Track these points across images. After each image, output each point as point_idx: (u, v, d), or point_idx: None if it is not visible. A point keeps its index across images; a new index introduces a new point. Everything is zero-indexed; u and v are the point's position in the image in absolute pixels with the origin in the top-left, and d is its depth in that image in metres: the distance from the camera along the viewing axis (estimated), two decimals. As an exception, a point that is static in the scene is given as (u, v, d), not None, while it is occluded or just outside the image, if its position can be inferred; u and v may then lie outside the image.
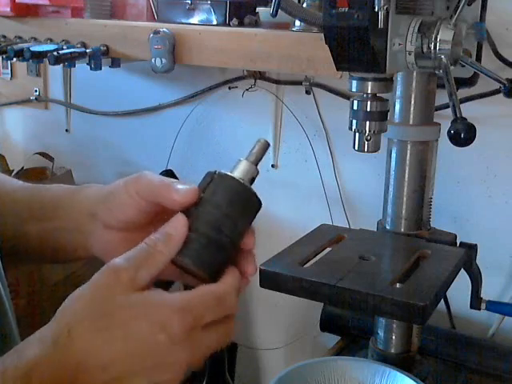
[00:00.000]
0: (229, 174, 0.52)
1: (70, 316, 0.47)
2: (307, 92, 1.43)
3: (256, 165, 0.53)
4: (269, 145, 0.53)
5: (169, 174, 1.39)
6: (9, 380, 0.44)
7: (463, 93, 1.17)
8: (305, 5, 1.17)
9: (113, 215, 0.58)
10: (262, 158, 0.53)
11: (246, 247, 0.53)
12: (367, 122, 0.92)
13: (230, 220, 0.50)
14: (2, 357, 0.46)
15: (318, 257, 0.96)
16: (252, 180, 0.52)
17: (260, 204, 0.52)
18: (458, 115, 0.85)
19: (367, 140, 0.92)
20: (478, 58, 1.09)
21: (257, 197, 0.52)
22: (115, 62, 1.41)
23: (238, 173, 0.52)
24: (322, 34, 0.88)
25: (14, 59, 1.34)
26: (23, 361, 0.45)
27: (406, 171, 1.03)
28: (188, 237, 0.50)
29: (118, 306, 0.46)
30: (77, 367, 0.45)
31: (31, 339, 0.47)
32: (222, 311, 0.49)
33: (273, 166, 1.52)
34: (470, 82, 1.13)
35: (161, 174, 1.38)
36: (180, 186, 0.54)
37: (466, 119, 0.85)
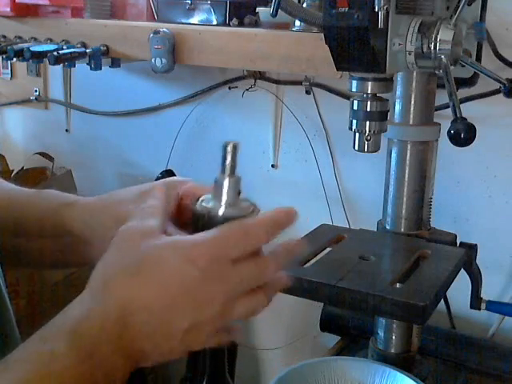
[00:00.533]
0: (219, 213, 0.49)
1: (102, 273, 0.48)
2: (307, 92, 1.43)
3: (234, 173, 0.50)
4: (237, 145, 0.49)
5: (169, 173, 1.39)
6: (54, 339, 0.44)
7: (463, 93, 1.17)
8: (305, 5, 1.17)
9: (98, 236, 0.59)
10: (236, 162, 0.50)
11: None
12: (367, 122, 0.92)
13: None
14: (45, 325, 0.46)
15: (318, 257, 0.96)
16: (239, 192, 0.50)
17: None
18: (458, 115, 0.85)
19: (367, 140, 0.92)
20: (478, 58, 1.09)
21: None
22: (115, 62, 1.41)
23: (225, 200, 0.49)
24: (322, 34, 0.88)
25: (14, 59, 1.34)
26: (67, 322, 0.45)
27: (406, 171, 1.03)
28: None
29: (145, 252, 0.47)
30: (122, 312, 0.45)
31: (70, 305, 0.47)
32: (248, 243, 0.47)
33: (273, 166, 1.52)
34: (470, 82, 1.13)
35: (161, 173, 1.38)
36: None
37: (466, 119, 0.85)
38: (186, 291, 0.46)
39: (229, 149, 0.49)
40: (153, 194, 0.54)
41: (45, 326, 0.46)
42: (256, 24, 1.34)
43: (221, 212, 0.49)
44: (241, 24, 1.32)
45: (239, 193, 0.50)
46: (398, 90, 1.01)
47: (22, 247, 0.64)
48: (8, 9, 1.44)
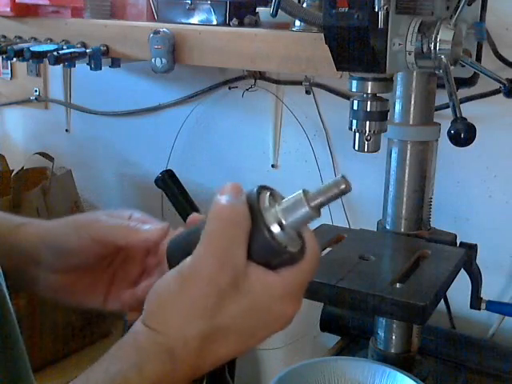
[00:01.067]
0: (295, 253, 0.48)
1: (179, 327, 0.46)
2: (307, 92, 1.43)
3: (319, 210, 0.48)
4: (347, 187, 0.46)
5: (169, 173, 1.38)
6: None
7: (463, 93, 1.17)
8: (305, 5, 1.17)
9: (62, 261, 0.58)
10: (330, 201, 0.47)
11: None
12: (367, 122, 0.92)
13: None
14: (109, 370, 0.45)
15: (318, 257, 0.96)
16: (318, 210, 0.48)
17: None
18: (458, 115, 0.85)
19: (367, 140, 0.92)
20: (478, 58, 1.09)
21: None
22: (115, 62, 1.41)
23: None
24: (322, 34, 0.88)
25: (14, 59, 1.34)
26: (143, 379, 0.45)
27: (406, 171, 1.03)
28: None
29: (229, 317, 0.46)
30: (193, 374, 0.47)
31: (143, 356, 0.46)
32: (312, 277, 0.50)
33: (273, 166, 1.52)
34: (469, 82, 1.13)
35: (161, 173, 1.38)
36: (146, 227, 0.56)
37: (465, 119, 0.85)
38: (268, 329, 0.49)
39: (340, 184, 0.46)
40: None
41: (103, 371, 0.46)
42: (256, 24, 1.34)
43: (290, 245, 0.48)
44: (241, 24, 1.32)
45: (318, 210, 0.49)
46: (398, 90, 1.01)
47: None
48: (8, 9, 1.44)
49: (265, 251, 0.47)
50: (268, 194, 0.49)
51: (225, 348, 0.47)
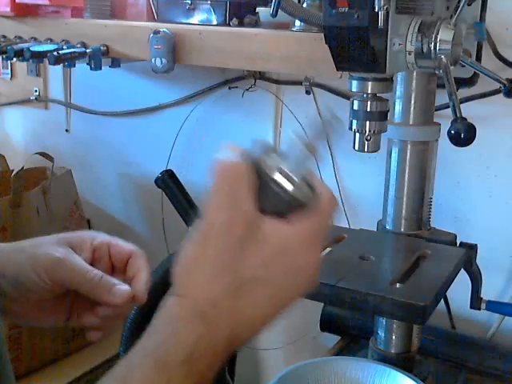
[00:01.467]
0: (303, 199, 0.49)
1: (205, 288, 0.47)
2: (307, 92, 1.43)
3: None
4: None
5: (169, 173, 1.38)
6: (169, 369, 0.44)
7: (463, 93, 1.17)
8: (305, 5, 1.17)
9: (22, 295, 0.59)
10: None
11: None
12: (367, 122, 0.92)
13: None
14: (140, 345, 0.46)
15: (317, 257, 0.96)
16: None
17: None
18: (458, 115, 0.85)
19: (367, 140, 0.92)
20: (478, 58, 1.09)
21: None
22: (115, 62, 1.41)
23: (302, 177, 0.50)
24: (322, 34, 0.88)
25: (14, 59, 1.34)
26: (179, 350, 0.45)
27: (406, 171, 1.03)
28: None
29: (249, 267, 0.47)
30: (231, 334, 0.46)
31: (172, 324, 0.46)
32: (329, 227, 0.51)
33: (273, 165, 1.52)
34: (470, 81, 1.13)
35: (161, 173, 1.38)
36: (114, 289, 0.57)
37: (465, 119, 0.85)
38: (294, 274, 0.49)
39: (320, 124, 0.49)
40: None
41: (142, 349, 0.46)
42: (256, 24, 1.34)
43: (305, 198, 0.49)
44: (241, 24, 1.32)
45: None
46: (398, 90, 1.01)
47: None
48: (8, 9, 1.44)
49: (274, 203, 0.48)
50: (266, 148, 0.50)
51: (256, 304, 0.47)
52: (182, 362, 0.44)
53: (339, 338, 1.28)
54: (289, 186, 0.48)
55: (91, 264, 0.59)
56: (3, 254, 0.60)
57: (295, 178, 0.48)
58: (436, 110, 1.05)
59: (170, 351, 0.45)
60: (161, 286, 0.53)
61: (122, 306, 0.58)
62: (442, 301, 1.23)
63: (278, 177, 0.48)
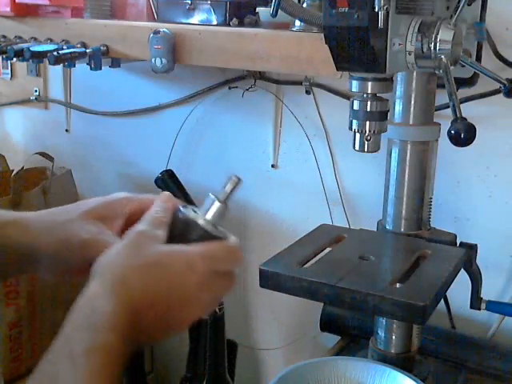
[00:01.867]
0: (205, 227, 0.55)
1: (118, 268, 0.52)
2: (307, 92, 1.43)
3: (226, 201, 0.56)
4: (240, 180, 0.56)
5: (169, 173, 1.39)
6: (101, 334, 0.48)
7: (463, 93, 1.17)
8: (305, 5, 1.17)
9: (59, 272, 0.63)
10: (233, 194, 0.56)
11: None
12: (367, 122, 0.92)
13: None
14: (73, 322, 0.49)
15: (318, 257, 0.96)
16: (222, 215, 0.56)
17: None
18: (458, 115, 0.85)
19: (367, 140, 0.92)
20: (478, 58, 1.09)
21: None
22: (115, 62, 1.41)
23: (211, 217, 0.56)
24: (322, 34, 0.88)
25: (14, 59, 1.34)
26: (105, 317, 0.49)
27: (406, 171, 1.03)
28: None
29: (154, 255, 0.53)
30: (139, 308, 0.51)
31: (90, 300, 0.50)
32: (233, 262, 0.56)
33: (273, 166, 1.52)
34: (469, 82, 1.13)
35: (161, 173, 1.38)
36: None
37: (465, 119, 0.85)
38: (184, 292, 0.53)
39: (233, 180, 0.56)
40: (159, 205, 0.59)
41: (72, 322, 0.50)
42: (256, 24, 1.34)
43: (208, 227, 0.55)
44: (241, 24, 1.32)
45: (221, 218, 0.57)
46: (398, 90, 1.01)
47: None
48: (8, 9, 1.44)
49: (180, 231, 0.56)
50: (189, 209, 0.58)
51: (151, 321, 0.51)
52: (110, 330, 0.49)
53: (339, 338, 1.28)
54: (192, 215, 0.56)
55: (125, 229, 0.60)
56: (34, 235, 0.62)
57: (202, 215, 0.56)
58: (436, 110, 1.05)
59: (89, 319, 0.49)
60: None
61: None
62: (442, 301, 1.23)
63: (186, 210, 0.57)
